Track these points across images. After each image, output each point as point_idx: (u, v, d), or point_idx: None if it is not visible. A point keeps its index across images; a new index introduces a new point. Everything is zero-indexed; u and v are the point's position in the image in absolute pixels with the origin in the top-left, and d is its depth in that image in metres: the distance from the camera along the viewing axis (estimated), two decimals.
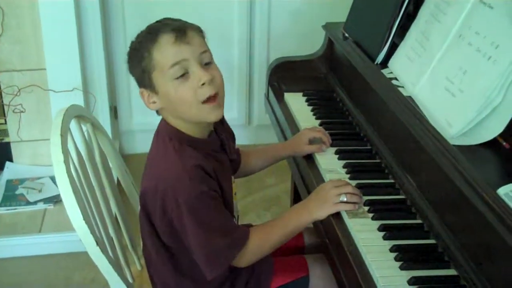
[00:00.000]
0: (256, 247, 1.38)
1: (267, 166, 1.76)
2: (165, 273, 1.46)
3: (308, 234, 1.73)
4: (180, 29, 1.30)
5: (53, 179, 2.78)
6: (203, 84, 1.31)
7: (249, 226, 1.48)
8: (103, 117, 2.94)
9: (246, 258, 1.38)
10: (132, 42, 1.38)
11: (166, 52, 1.30)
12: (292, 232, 1.41)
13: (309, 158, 1.70)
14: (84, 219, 1.30)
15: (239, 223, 1.57)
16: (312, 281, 1.53)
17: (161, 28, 1.31)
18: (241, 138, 3.28)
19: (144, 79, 1.35)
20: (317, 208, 1.41)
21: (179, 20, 1.36)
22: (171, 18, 1.38)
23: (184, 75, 1.31)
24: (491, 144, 1.31)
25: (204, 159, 1.35)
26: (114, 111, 3.14)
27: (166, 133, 1.39)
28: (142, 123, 3.08)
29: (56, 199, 2.68)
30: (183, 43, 1.30)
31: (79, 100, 2.70)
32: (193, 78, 1.31)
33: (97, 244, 1.33)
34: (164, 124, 1.42)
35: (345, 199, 1.40)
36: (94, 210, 1.46)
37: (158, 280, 1.50)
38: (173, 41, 1.29)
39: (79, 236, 1.32)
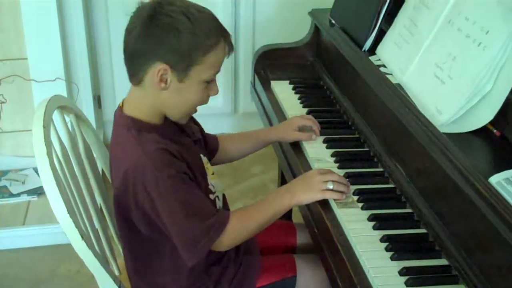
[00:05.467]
0: (236, 231, 1.36)
1: (254, 151, 1.73)
2: (146, 266, 1.45)
3: (301, 234, 1.72)
4: (232, 48, 1.37)
5: (36, 170, 2.72)
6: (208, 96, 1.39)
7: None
8: (87, 107, 2.90)
9: (226, 242, 1.35)
10: (194, 16, 1.28)
11: (219, 58, 1.34)
12: (274, 215, 1.39)
13: (297, 147, 1.68)
14: (68, 212, 1.28)
15: (228, 203, 1.56)
16: (299, 282, 1.52)
17: (225, 34, 1.35)
18: (227, 127, 3.27)
19: (180, 62, 1.29)
20: (301, 192, 1.40)
21: None
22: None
23: (210, 82, 1.35)
24: (482, 132, 1.30)
25: (167, 142, 1.33)
26: (97, 100, 3.10)
27: (124, 124, 1.36)
28: None
29: (39, 191, 2.64)
30: (226, 58, 1.37)
31: (61, 89, 2.66)
32: (211, 88, 1.37)
33: (82, 238, 1.30)
34: (119, 115, 1.39)
35: (331, 187, 1.39)
36: (78, 202, 1.43)
37: (137, 274, 1.49)
38: (226, 53, 1.36)
39: (64, 230, 1.29)
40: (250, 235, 1.40)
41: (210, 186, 1.44)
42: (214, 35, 1.30)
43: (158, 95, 1.33)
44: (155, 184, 1.27)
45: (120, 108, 1.40)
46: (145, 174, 1.27)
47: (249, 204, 1.43)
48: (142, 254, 1.44)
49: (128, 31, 1.31)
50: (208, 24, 1.30)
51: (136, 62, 1.31)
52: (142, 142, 1.31)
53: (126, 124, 1.35)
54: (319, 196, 1.40)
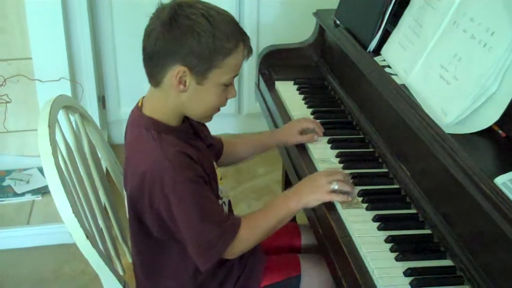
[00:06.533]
0: (246, 237, 1.36)
1: (255, 155, 1.74)
2: (154, 267, 1.45)
3: (305, 235, 1.72)
4: (251, 50, 1.37)
5: (41, 170, 2.75)
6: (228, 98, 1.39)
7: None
8: (91, 107, 2.90)
9: (237, 248, 1.35)
10: (214, 19, 1.28)
11: (239, 61, 1.34)
12: (282, 219, 1.39)
13: (301, 148, 1.68)
14: (73, 212, 1.27)
15: (232, 209, 1.56)
16: (304, 281, 1.52)
17: (245, 37, 1.34)
18: (231, 127, 3.27)
19: (199, 65, 1.28)
20: (307, 195, 1.39)
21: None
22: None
23: (228, 85, 1.35)
24: (487, 133, 1.30)
25: (185, 145, 1.33)
26: (102, 101, 3.10)
27: (143, 125, 1.36)
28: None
29: (44, 191, 2.65)
30: (244, 61, 1.37)
31: (66, 89, 2.66)
32: (229, 91, 1.37)
33: (87, 237, 1.30)
34: (138, 115, 1.39)
35: (336, 187, 1.39)
36: (83, 202, 1.43)
37: (144, 275, 1.49)
38: (245, 55, 1.35)
39: (69, 229, 1.29)
40: (260, 241, 1.40)
41: (219, 192, 1.45)
42: (234, 39, 1.30)
43: (178, 96, 1.33)
44: (172, 186, 1.27)
45: (139, 108, 1.40)
46: (163, 176, 1.27)
47: (257, 210, 1.43)
48: (151, 255, 1.44)
49: (148, 32, 1.31)
50: (228, 27, 1.29)
51: (155, 63, 1.31)
52: (162, 144, 1.31)
53: (145, 124, 1.35)
54: (327, 198, 1.39)
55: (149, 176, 1.29)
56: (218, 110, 1.40)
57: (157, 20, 1.29)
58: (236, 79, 3.33)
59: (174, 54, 1.27)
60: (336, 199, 1.39)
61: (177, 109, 1.36)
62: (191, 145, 1.37)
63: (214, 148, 1.60)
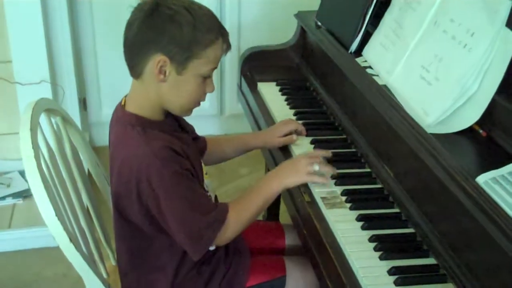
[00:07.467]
0: (235, 223, 1.37)
1: (238, 155, 1.75)
2: (139, 263, 1.45)
3: (289, 235, 1.73)
4: (230, 45, 1.40)
5: (21, 173, 2.73)
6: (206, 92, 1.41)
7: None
8: (72, 109, 2.88)
9: (226, 235, 1.37)
10: (195, 11, 1.31)
11: (217, 54, 1.36)
12: (265, 202, 1.42)
13: (285, 149, 1.68)
14: (56, 215, 1.27)
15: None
16: (289, 282, 1.53)
17: (224, 31, 1.37)
18: (214, 128, 3.27)
19: (180, 54, 1.30)
20: (287, 176, 1.43)
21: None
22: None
23: (206, 78, 1.37)
24: (468, 132, 1.31)
25: (171, 139, 1.35)
26: (83, 103, 3.09)
27: (127, 122, 1.37)
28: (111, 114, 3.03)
29: (25, 194, 2.63)
30: (223, 56, 1.40)
31: (47, 92, 2.64)
32: (208, 85, 1.39)
33: (71, 240, 1.29)
34: (121, 113, 1.40)
35: (317, 168, 1.43)
36: (66, 205, 1.42)
37: (130, 272, 1.49)
38: (224, 49, 1.38)
39: (52, 233, 1.28)
40: (246, 226, 1.42)
41: (204, 185, 1.46)
42: (214, 31, 1.33)
43: (158, 88, 1.34)
44: (160, 181, 1.29)
45: (122, 106, 1.40)
46: (150, 171, 1.29)
47: (241, 196, 1.44)
48: (137, 251, 1.44)
49: (129, 24, 1.33)
50: (209, 20, 1.33)
51: (136, 53, 1.33)
52: (148, 139, 1.32)
53: (129, 121, 1.36)
54: (305, 179, 1.44)
55: (136, 173, 1.30)
56: (198, 104, 1.41)
57: (139, 11, 1.31)
58: (218, 80, 3.35)
59: (155, 43, 1.30)
60: (315, 180, 1.44)
61: (158, 102, 1.37)
62: (176, 138, 1.38)
63: (198, 143, 1.61)
